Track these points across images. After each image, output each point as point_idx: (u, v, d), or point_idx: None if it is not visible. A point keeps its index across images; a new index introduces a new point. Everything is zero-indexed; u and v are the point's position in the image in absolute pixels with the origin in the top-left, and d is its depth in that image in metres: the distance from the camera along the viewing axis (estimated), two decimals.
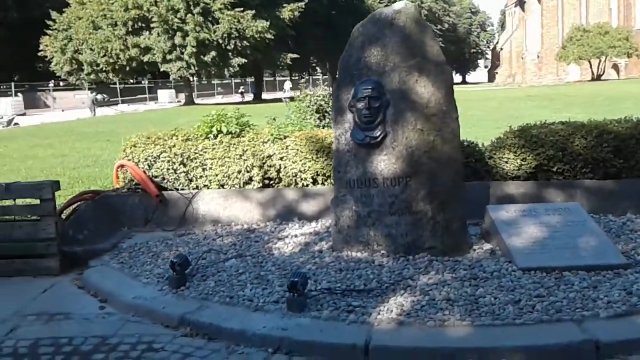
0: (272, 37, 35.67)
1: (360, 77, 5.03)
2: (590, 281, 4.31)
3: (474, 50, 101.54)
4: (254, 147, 6.70)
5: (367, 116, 4.92)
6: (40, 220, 5.34)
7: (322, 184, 6.69)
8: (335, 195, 5.23)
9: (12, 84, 40.45)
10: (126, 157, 6.78)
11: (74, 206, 6.22)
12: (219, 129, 6.95)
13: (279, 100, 34.48)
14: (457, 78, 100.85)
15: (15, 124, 27.80)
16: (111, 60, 34.21)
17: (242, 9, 34.53)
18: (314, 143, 6.65)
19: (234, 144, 6.74)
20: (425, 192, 4.87)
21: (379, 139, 4.93)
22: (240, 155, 6.67)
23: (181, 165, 6.74)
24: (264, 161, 6.65)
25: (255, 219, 6.32)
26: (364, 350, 3.55)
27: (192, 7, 33.29)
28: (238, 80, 57.05)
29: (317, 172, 6.65)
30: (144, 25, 34.04)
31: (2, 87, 41.36)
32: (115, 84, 46.39)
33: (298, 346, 3.67)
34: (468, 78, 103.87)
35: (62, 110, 42.63)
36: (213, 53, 33.89)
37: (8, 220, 5.42)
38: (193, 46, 32.94)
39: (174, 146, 6.78)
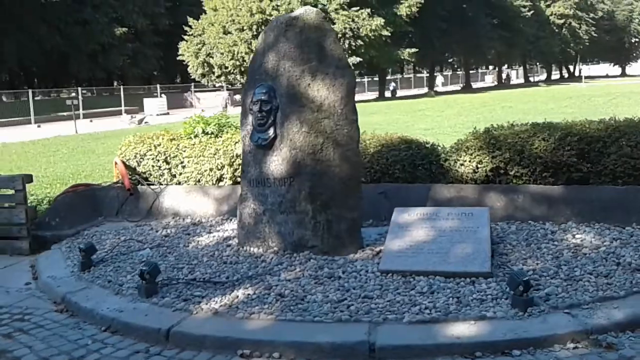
0: (390, 34, 35.72)
1: (260, 82, 5.31)
2: (435, 286, 4.25)
3: (636, 40, 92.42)
4: (226, 147, 7.18)
5: (259, 119, 5.20)
6: (15, 207, 6.29)
7: None
8: (240, 193, 5.56)
9: (158, 85, 44.61)
10: (121, 154, 7.60)
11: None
12: (202, 129, 7.54)
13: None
14: (615, 70, 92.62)
15: (146, 122, 30.81)
16: (237, 63, 36.48)
17: (357, 8, 35.02)
18: None
19: (210, 144, 7.27)
20: (306, 192, 5.04)
21: (268, 140, 5.18)
22: (213, 154, 7.18)
23: (164, 163, 7.42)
24: (233, 159, 7.11)
25: (208, 214, 6.81)
26: (166, 335, 3.90)
27: None
28: (369, 79, 57.55)
29: None
30: None
31: (150, 88, 45.89)
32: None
33: (121, 326, 4.11)
34: (628, 70, 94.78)
35: (202, 110, 46.30)
36: None
37: None
38: None
39: (159, 145, 7.47)
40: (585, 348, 3.50)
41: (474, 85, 67.45)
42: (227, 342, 3.73)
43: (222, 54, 36.75)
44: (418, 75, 72.76)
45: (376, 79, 53.70)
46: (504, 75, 74.97)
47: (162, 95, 43.76)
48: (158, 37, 51.36)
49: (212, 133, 7.46)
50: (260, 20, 35.61)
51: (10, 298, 4.94)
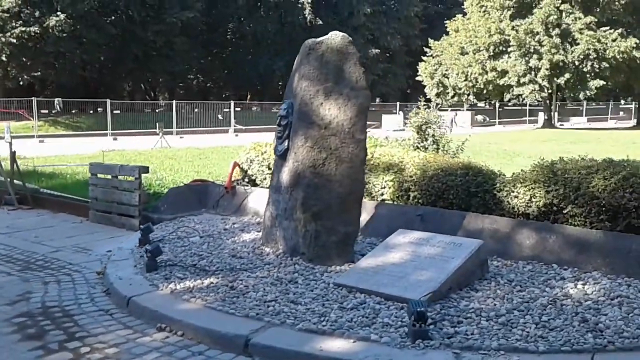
0: None
1: (286, 99, 5.84)
2: (363, 305, 4.37)
3: None
4: None
5: (278, 132, 5.75)
6: (132, 192, 7.80)
7: None
8: (267, 198, 6.14)
9: (397, 104, 46.62)
10: (238, 158, 8.73)
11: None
12: None
13: None
14: None
15: (386, 137, 32.65)
16: (470, 84, 36.17)
17: (607, 28, 31.88)
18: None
19: None
20: (300, 202, 5.41)
21: (282, 152, 5.68)
22: None
23: (267, 168, 8.32)
24: None
25: None
26: (127, 303, 4.72)
27: (550, 30, 32.48)
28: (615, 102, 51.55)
29: None
30: (503, 49, 34.83)
31: (389, 107, 48.21)
32: (492, 105, 48.31)
33: (111, 290, 5.06)
34: None
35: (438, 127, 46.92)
36: (567, 75, 32.28)
37: (119, 189, 8.02)
38: (547, 68, 32.11)
39: (265, 152, 8.41)
40: None
41: None
42: (156, 315, 4.40)
43: (456, 74, 36.82)
44: None
45: (629, 105, 47.87)
46: None
47: (400, 112, 45.50)
48: (409, 57, 53.41)
49: None
50: (498, 41, 34.84)
51: (81, 257, 6.30)
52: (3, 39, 31.87)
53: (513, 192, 6.05)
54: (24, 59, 34.60)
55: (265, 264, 5.42)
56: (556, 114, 41.48)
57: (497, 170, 6.63)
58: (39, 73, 36.34)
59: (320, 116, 5.45)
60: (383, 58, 52.67)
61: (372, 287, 4.56)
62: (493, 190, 6.20)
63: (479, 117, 53.00)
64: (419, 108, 9.30)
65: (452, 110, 41.99)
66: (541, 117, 45.61)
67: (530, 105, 53.29)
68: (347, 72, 5.48)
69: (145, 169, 7.87)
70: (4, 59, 33.00)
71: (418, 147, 8.76)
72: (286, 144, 5.66)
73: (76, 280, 5.49)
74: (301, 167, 5.45)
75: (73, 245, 6.91)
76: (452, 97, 38.61)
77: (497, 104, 49.68)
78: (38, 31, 32.73)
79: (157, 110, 40.00)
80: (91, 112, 35.51)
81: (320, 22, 46.02)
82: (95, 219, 8.25)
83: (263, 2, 46.99)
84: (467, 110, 49.34)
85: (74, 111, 34.70)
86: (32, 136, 28.20)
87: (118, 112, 32.65)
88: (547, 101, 37.87)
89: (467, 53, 36.59)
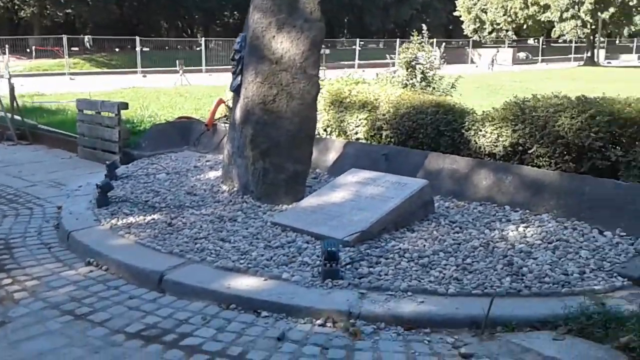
0: None
1: (243, 32, 5.64)
2: (291, 243, 4.33)
3: None
4: None
5: (232, 67, 5.59)
6: (113, 128, 7.82)
7: (330, 134, 7.22)
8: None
9: (435, 40, 45.11)
10: (225, 96, 8.60)
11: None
12: None
13: None
14: None
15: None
16: (509, 19, 34.59)
17: None
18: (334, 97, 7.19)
19: None
20: (248, 139, 5.29)
21: (235, 87, 5.54)
22: None
23: None
24: None
25: None
26: (67, 237, 4.77)
27: None
28: None
29: (327, 123, 7.22)
30: None
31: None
32: (536, 41, 46.28)
33: (59, 223, 5.12)
34: None
35: (477, 66, 45.42)
36: (612, 9, 30.44)
37: (102, 125, 8.05)
38: (590, 2, 30.32)
39: None
40: (332, 328, 3.29)
41: None
42: (87, 250, 4.44)
43: (495, 9, 35.24)
44: None
45: None
46: None
47: (436, 48, 44.19)
48: None
49: None
50: None
51: (51, 192, 6.40)
52: None
53: (481, 131, 5.79)
54: None
55: (215, 201, 5.39)
56: (603, 51, 39.51)
57: (471, 108, 6.33)
58: (71, 10, 36.45)
59: (272, 50, 5.24)
60: None
61: (305, 227, 4.48)
62: (462, 129, 5.95)
63: (521, 55, 50.98)
64: (412, 42, 8.89)
65: (493, 47, 40.46)
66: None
67: (576, 42, 50.93)
68: (301, 2, 5.22)
69: (125, 105, 7.84)
70: None
71: (406, 85, 8.43)
72: (239, 79, 5.50)
73: (34, 215, 5.59)
74: (251, 103, 5.30)
75: (50, 180, 7.02)
76: (490, 32, 37.21)
77: (541, 41, 47.59)
78: None
79: (189, 48, 39.81)
80: (122, 49, 35.66)
81: None
82: (83, 154, 8.34)
83: None
84: (509, 47, 47.50)
85: (106, 48, 34.93)
86: (64, 74, 28.61)
87: (148, 49, 32.67)
88: (592, 37, 35.96)
89: None
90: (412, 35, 8.89)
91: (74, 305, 3.62)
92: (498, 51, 38.51)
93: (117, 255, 4.23)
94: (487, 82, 20.89)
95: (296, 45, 5.18)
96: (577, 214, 4.62)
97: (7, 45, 26.97)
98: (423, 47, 8.87)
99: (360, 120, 6.80)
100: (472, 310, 3.30)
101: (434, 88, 8.45)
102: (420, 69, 8.57)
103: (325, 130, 7.24)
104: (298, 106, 5.22)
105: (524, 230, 4.44)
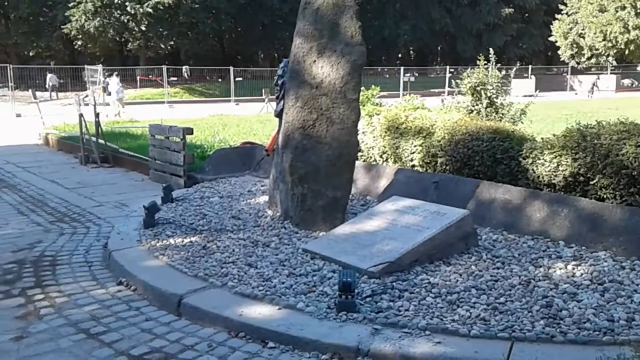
0: None
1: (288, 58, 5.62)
2: (317, 272, 4.18)
3: None
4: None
5: (276, 92, 5.57)
6: (179, 153, 8.06)
7: (386, 160, 7.03)
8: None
9: (530, 67, 43.59)
10: None
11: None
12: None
13: None
14: None
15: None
16: (609, 45, 32.72)
17: None
18: (390, 122, 7.01)
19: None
20: (288, 164, 5.21)
21: (278, 113, 5.51)
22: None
23: None
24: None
25: None
26: (108, 256, 4.89)
27: None
28: None
29: (383, 150, 7.04)
30: None
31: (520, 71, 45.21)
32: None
33: (107, 242, 5.27)
34: None
35: (576, 93, 43.30)
36: None
37: (170, 149, 8.31)
38: None
39: None
40: None
41: None
42: (122, 270, 4.52)
43: (594, 34, 33.52)
44: None
45: None
46: None
47: (532, 76, 42.50)
48: (547, 17, 49.60)
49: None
50: None
51: (114, 212, 6.63)
52: (141, 10, 34.23)
53: (539, 159, 5.39)
54: (160, 29, 36.96)
55: (255, 226, 5.35)
56: None
57: (531, 135, 5.93)
58: (173, 42, 38.60)
59: (312, 75, 5.18)
60: (517, 18, 49.32)
61: (333, 255, 4.32)
62: (519, 157, 5.57)
63: (626, 82, 48.08)
64: (477, 67, 8.50)
65: (594, 74, 38.40)
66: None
67: None
68: (342, 27, 5.14)
69: (190, 131, 8.05)
70: (143, 28, 35.50)
71: (472, 111, 8.07)
72: (282, 104, 5.47)
73: (89, 233, 5.80)
74: (291, 128, 5.24)
75: (116, 202, 7.30)
76: (589, 58, 35.31)
77: None
78: (172, 2, 34.72)
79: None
80: (220, 79, 37.23)
81: None
82: (154, 177, 8.65)
83: None
84: (612, 73, 44.95)
85: (204, 78, 36.64)
86: (164, 102, 30.26)
87: (241, 79, 33.89)
88: None
89: (606, 10, 33.08)
90: (479, 60, 8.52)
91: (91, 324, 3.67)
92: (598, 78, 36.45)
93: (145, 276, 4.26)
94: (579, 109, 19.76)
95: (336, 69, 5.09)
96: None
97: (112, 74, 28.90)
98: (488, 71, 8.46)
99: (415, 146, 6.56)
100: (492, 356, 2.99)
101: (502, 115, 8.03)
102: (486, 94, 8.18)
103: (381, 156, 7.05)
104: (338, 131, 5.10)
105: (573, 269, 4.03)
